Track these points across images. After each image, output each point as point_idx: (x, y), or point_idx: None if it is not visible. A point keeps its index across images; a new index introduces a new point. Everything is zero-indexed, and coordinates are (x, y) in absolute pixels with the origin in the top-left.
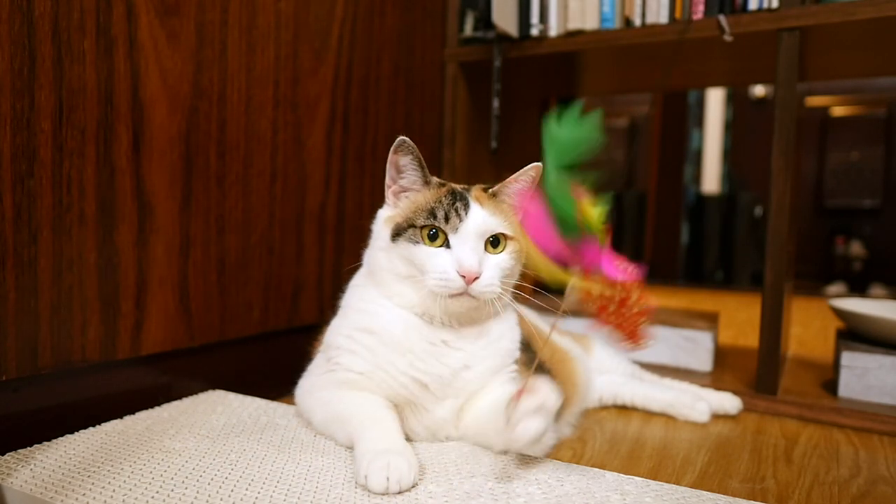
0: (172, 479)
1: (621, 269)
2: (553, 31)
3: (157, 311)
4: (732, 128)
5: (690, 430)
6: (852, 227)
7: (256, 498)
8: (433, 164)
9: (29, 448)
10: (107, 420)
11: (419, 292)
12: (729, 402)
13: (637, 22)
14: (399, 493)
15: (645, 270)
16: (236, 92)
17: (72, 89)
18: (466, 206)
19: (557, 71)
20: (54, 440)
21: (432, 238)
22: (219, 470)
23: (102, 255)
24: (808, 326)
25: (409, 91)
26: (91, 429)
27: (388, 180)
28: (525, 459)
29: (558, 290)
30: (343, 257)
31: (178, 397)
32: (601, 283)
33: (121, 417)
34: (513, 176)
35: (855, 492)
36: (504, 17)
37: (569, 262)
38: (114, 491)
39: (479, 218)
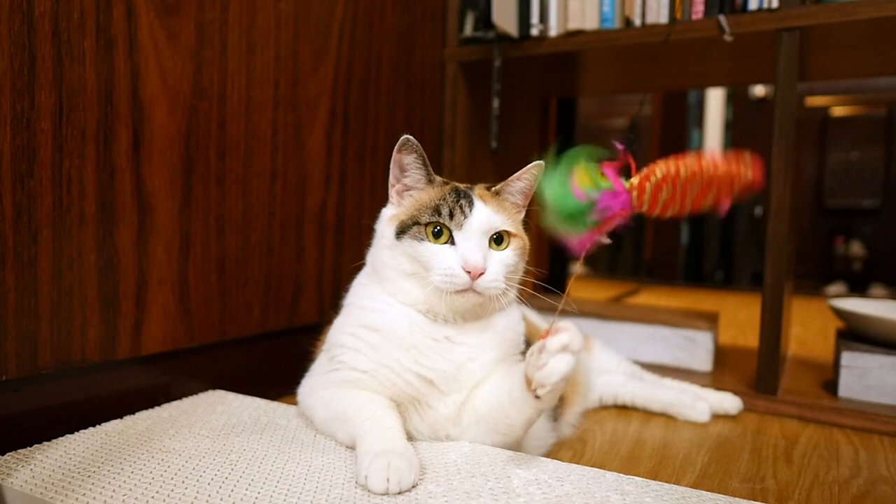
0: (172, 479)
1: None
2: (553, 31)
3: (157, 311)
4: (732, 128)
5: (690, 430)
6: (852, 227)
7: (256, 498)
8: (433, 164)
9: (29, 448)
10: (107, 420)
11: (424, 289)
12: (729, 402)
13: (637, 22)
14: (399, 493)
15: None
16: (236, 92)
17: (72, 89)
18: (470, 203)
19: (557, 71)
20: (54, 440)
21: (437, 235)
22: (219, 470)
23: (102, 255)
24: (808, 326)
25: (409, 91)
26: (91, 429)
27: (391, 179)
28: (525, 459)
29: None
30: (343, 257)
31: (178, 397)
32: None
33: (121, 417)
34: (515, 174)
35: (855, 492)
36: (504, 17)
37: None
38: (114, 491)
39: (484, 215)
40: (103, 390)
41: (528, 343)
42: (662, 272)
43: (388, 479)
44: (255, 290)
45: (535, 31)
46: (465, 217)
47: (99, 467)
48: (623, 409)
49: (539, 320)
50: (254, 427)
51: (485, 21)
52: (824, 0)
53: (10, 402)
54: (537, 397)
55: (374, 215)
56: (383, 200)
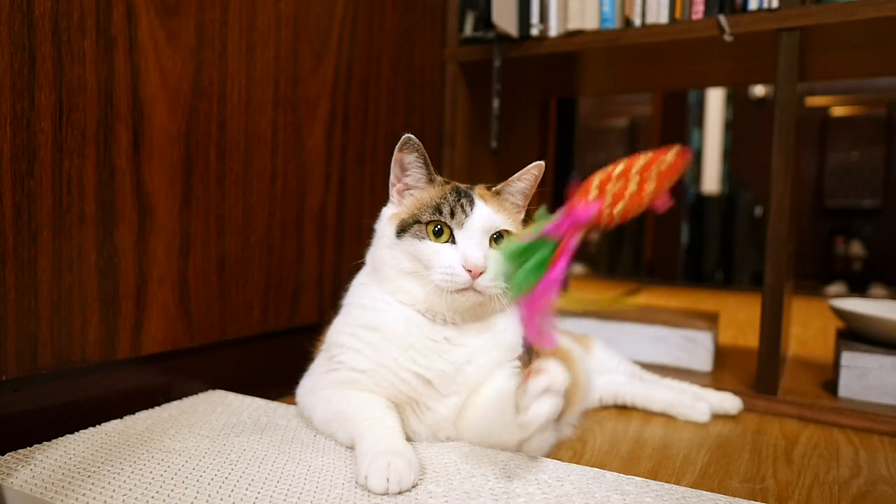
0: (172, 479)
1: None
2: (553, 31)
3: (156, 311)
4: (732, 128)
5: (690, 430)
6: (852, 227)
7: (256, 498)
8: (434, 163)
9: (29, 448)
10: (107, 420)
11: (424, 288)
12: (729, 402)
13: (637, 22)
14: (399, 493)
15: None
16: (236, 92)
17: (72, 89)
18: (471, 202)
19: (557, 71)
20: (54, 440)
21: (437, 234)
22: (219, 470)
23: (102, 255)
24: (808, 326)
25: (409, 91)
26: (91, 429)
27: (392, 178)
28: (525, 459)
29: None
30: (343, 257)
31: (178, 397)
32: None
33: (121, 417)
34: (516, 175)
35: (855, 492)
36: (504, 17)
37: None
38: (114, 491)
39: (485, 214)
40: (103, 390)
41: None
42: (662, 272)
43: (387, 479)
44: (255, 290)
45: (535, 31)
46: (466, 216)
47: (99, 467)
48: (623, 409)
49: None
50: (254, 427)
51: (485, 21)
52: (824, 0)
53: (10, 402)
54: None
55: (374, 215)
56: (383, 200)
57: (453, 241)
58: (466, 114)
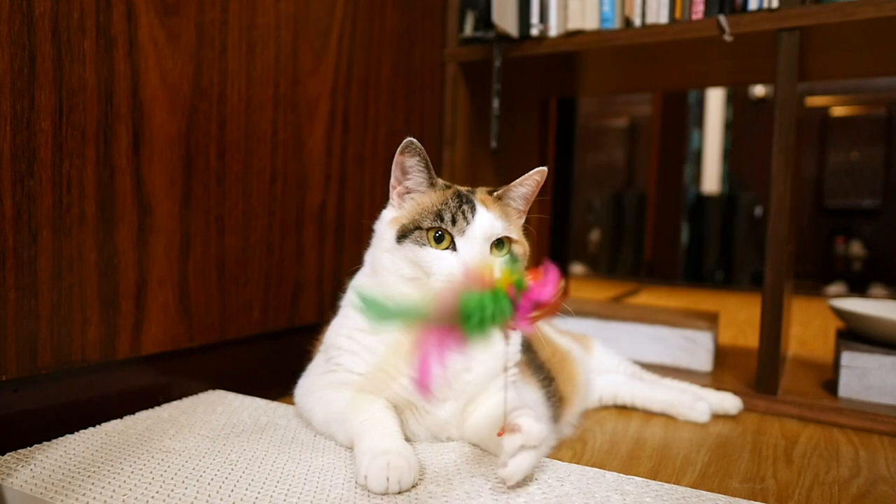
0: (172, 479)
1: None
2: (553, 32)
3: (156, 311)
4: (732, 128)
5: (690, 430)
6: (852, 227)
7: (256, 498)
8: (434, 164)
9: (29, 448)
10: (107, 420)
11: (424, 294)
12: (729, 402)
13: (637, 22)
14: (399, 493)
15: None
16: (236, 92)
17: (72, 89)
18: (473, 208)
19: (557, 71)
20: (54, 440)
21: (438, 240)
22: (219, 470)
23: (102, 255)
24: (808, 326)
25: (409, 91)
26: (91, 429)
27: (392, 181)
28: None
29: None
30: (343, 257)
31: (178, 397)
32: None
33: (121, 417)
34: (518, 180)
35: (855, 492)
36: (504, 17)
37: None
38: (114, 491)
39: (486, 221)
40: (103, 390)
41: (528, 345)
42: (662, 272)
43: (387, 479)
44: (255, 290)
45: (535, 31)
46: (468, 223)
47: (99, 467)
48: (623, 409)
49: None
50: (254, 427)
51: (485, 21)
52: (824, 0)
53: (10, 402)
54: None
55: (374, 215)
56: (383, 200)
57: (454, 248)
58: (466, 114)
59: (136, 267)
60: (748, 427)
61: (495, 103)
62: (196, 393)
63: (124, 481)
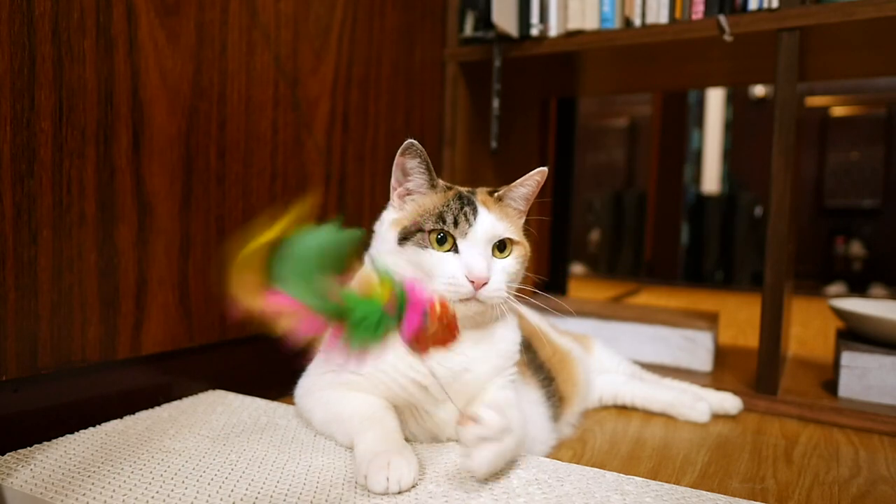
0: (172, 479)
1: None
2: (553, 31)
3: (157, 311)
4: (732, 128)
5: (690, 430)
6: (852, 227)
7: (256, 498)
8: (434, 164)
9: (29, 448)
10: (107, 420)
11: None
12: (729, 402)
13: (637, 22)
14: (399, 492)
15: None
16: (236, 92)
17: (72, 89)
18: (475, 210)
19: (557, 71)
20: (54, 440)
21: (441, 242)
22: (219, 470)
23: (102, 255)
24: (808, 326)
25: (409, 91)
26: (91, 429)
27: (393, 182)
28: (525, 459)
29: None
30: None
31: (178, 397)
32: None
33: (121, 417)
34: (518, 180)
35: (855, 492)
36: (504, 17)
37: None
38: (114, 491)
39: (488, 223)
40: (103, 390)
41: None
42: (662, 272)
43: (387, 479)
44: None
45: (535, 31)
46: (470, 225)
47: (99, 467)
48: (623, 409)
49: (538, 320)
50: (254, 427)
51: (485, 21)
52: (824, 0)
53: (10, 402)
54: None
55: (374, 215)
56: (383, 201)
57: (456, 250)
58: (466, 114)
59: (136, 267)
60: (748, 427)
61: (495, 103)
62: (196, 393)
63: (124, 481)
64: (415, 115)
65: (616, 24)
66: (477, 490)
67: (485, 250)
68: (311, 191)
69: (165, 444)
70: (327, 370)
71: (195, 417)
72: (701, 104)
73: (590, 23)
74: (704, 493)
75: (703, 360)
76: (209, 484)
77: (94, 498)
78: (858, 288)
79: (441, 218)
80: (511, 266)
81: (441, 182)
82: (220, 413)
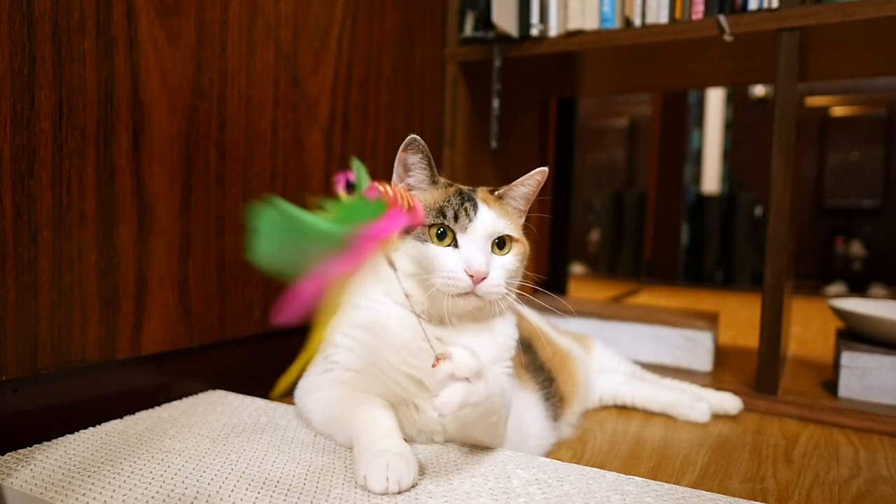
0: (172, 479)
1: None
2: (553, 31)
3: (157, 311)
4: (732, 128)
5: (690, 430)
6: (852, 227)
7: (256, 498)
8: (434, 164)
9: (29, 448)
10: (107, 420)
11: (425, 291)
12: (729, 403)
13: (637, 22)
14: (399, 493)
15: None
16: (236, 92)
17: (72, 89)
18: (475, 206)
19: (557, 71)
20: (54, 440)
21: (441, 237)
22: (219, 470)
23: (102, 255)
24: (808, 326)
25: (409, 91)
26: (91, 429)
27: (394, 178)
28: (525, 459)
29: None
30: None
31: (178, 397)
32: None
33: (121, 417)
34: (518, 179)
35: (855, 492)
36: (504, 17)
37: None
38: (114, 491)
39: (488, 219)
40: (103, 390)
41: (525, 344)
42: (662, 272)
43: (387, 479)
44: (255, 290)
45: (535, 31)
46: (470, 220)
47: (99, 467)
48: (623, 409)
49: (539, 320)
50: (254, 427)
51: (485, 21)
52: (824, 0)
53: (10, 402)
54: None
55: None
56: None
57: (456, 245)
58: (466, 114)
59: (136, 267)
60: (748, 427)
61: (495, 103)
62: (196, 393)
63: (124, 481)
64: (415, 115)
65: (616, 24)
66: (477, 490)
67: (484, 246)
68: (311, 191)
69: (165, 444)
70: (325, 369)
71: (195, 417)
72: (701, 104)
73: (590, 23)
74: (704, 493)
75: (703, 360)
76: (209, 484)
77: (94, 498)
78: (858, 288)
79: (441, 212)
80: (510, 263)
81: (442, 179)
82: (220, 413)
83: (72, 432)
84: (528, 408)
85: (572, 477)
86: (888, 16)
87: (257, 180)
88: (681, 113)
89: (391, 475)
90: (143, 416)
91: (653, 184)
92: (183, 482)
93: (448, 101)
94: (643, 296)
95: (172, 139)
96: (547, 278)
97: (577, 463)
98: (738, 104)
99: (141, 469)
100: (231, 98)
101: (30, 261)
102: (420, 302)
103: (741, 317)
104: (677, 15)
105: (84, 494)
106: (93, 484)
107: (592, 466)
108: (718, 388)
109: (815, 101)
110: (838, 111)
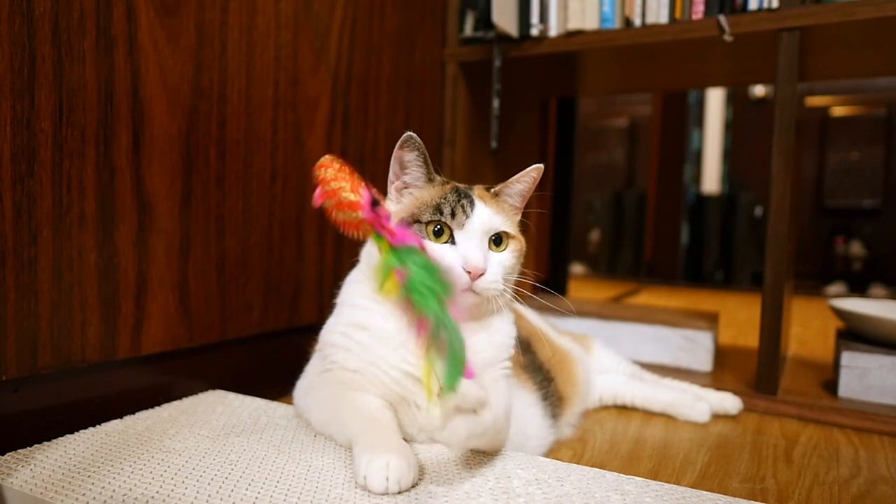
0: (172, 479)
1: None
2: (553, 31)
3: (156, 311)
4: (732, 128)
5: (690, 430)
6: (852, 227)
7: (256, 498)
8: (433, 163)
9: (29, 448)
10: (107, 420)
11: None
12: (729, 402)
13: (637, 22)
14: (399, 493)
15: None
16: (236, 92)
17: (72, 89)
18: (471, 203)
19: (557, 71)
20: (54, 440)
21: (437, 234)
22: (219, 470)
23: (102, 255)
24: (808, 326)
25: (409, 91)
26: (91, 429)
27: (391, 175)
28: (525, 459)
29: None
30: (343, 257)
31: (178, 397)
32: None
33: (121, 417)
34: (515, 177)
35: (855, 492)
36: (504, 17)
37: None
38: (114, 491)
39: (485, 216)
40: (103, 390)
41: (524, 344)
42: (662, 272)
43: (387, 479)
44: (255, 290)
45: (535, 31)
46: (467, 217)
47: (99, 467)
48: (623, 409)
49: (537, 319)
50: (254, 427)
51: (485, 21)
52: (824, 0)
53: (10, 402)
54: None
55: None
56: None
57: (453, 242)
58: (466, 114)
59: (136, 267)
60: (748, 427)
61: (495, 103)
62: (196, 393)
63: (124, 481)
64: (415, 115)
65: (616, 24)
66: (477, 490)
67: (481, 242)
68: (311, 191)
69: (165, 444)
70: (323, 369)
71: (195, 417)
72: (701, 104)
73: (590, 23)
74: (704, 493)
75: (703, 360)
76: (209, 484)
77: (94, 498)
78: (858, 288)
79: (438, 209)
80: (507, 259)
81: (438, 176)
82: (220, 413)
83: (72, 432)
84: (526, 407)
85: (572, 477)
86: (888, 16)
87: (257, 180)
88: (681, 113)
89: (391, 475)
90: (143, 416)
91: (653, 184)
92: (183, 482)
93: (448, 101)
94: (643, 296)
95: (172, 139)
96: (547, 278)
97: (577, 463)
98: (738, 104)
99: (141, 469)
100: (231, 98)
101: (30, 261)
102: None
103: (741, 317)
104: (677, 15)
105: (84, 494)
106: (93, 484)
107: (592, 466)
108: (718, 388)
109: (815, 101)
110: (838, 111)
